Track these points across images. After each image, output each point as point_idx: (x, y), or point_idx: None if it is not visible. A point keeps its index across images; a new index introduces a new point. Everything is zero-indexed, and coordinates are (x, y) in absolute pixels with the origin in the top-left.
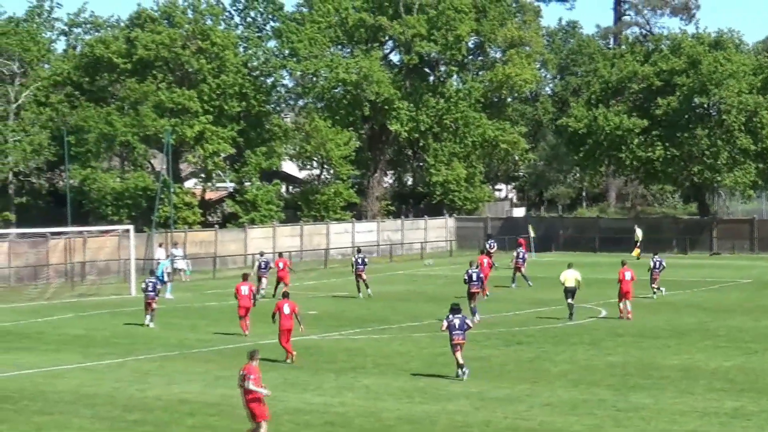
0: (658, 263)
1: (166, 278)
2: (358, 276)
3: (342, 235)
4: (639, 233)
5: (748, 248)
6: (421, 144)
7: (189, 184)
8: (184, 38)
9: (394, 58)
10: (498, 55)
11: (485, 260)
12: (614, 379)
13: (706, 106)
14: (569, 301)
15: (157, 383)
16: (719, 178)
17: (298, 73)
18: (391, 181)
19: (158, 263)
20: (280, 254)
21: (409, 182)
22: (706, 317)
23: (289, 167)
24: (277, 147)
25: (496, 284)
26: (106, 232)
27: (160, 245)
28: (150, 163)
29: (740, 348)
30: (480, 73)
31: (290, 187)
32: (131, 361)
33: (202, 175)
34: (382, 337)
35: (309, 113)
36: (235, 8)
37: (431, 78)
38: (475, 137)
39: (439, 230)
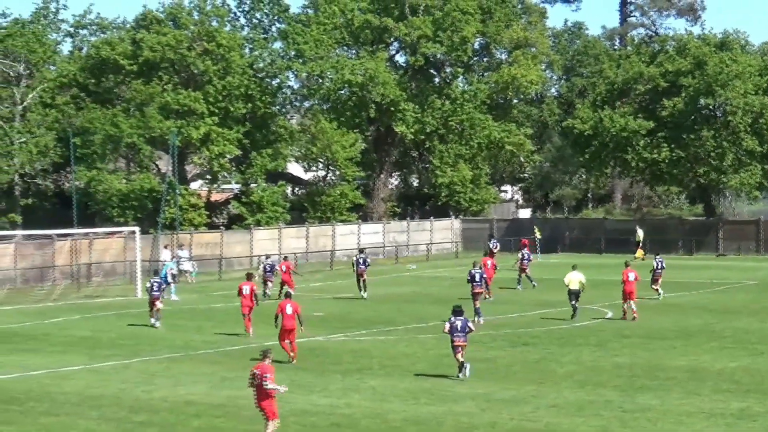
0: (660, 263)
1: (170, 279)
2: (360, 276)
3: (348, 237)
4: (640, 234)
5: (754, 249)
6: (426, 145)
7: (195, 185)
8: (190, 40)
9: (400, 59)
10: (504, 56)
11: (489, 261)
12: (620, 380)
13: (711, 107)
14: (573, 303)
15: (163, 385)
16: (725, 180)
17: (304, 74)
18: (396, 182)
19: (163, 264)
20: (285, 257)
21: (415, 184)
22: (712, 318)
23: (295, 169)
24: (282, 148)
25: (501, 286)
26: (112, 233)
27: (166, 247)
28: (156, 164)
29: (746, 349)
30: (486, 74)
31: (296, 189)
32: (137, 363)
33: (208, 177)
34: (388, 338)
35: (315, 115)
36: (240, 10)
37: (437, 79)
38: (481, 139)
39: (444, 232)
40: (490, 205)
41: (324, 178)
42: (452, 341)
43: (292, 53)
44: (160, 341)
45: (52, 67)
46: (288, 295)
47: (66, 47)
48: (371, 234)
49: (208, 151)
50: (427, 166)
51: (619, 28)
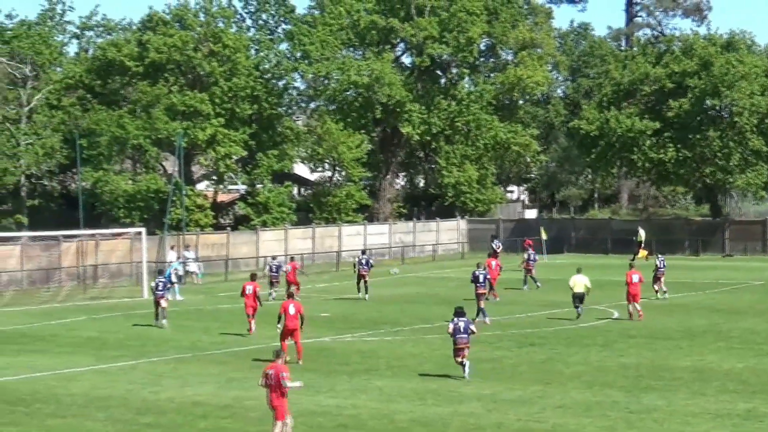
0: (661, 263)
1: (174, 279)
2: (362, 276)
3: (354, 238)
4: (642, 234)
5: (761, 250)
6: (432, 146)
7: (201, 186)
8: (196, 41)
9: (406, 60)
10: (510, 57)
11: (493, 262)
12: (627, 380)
13: (718, 107)
14: (578, 306)
15: (170, 385)
16: (731, 180)
17: (310, 75)
18: (402, 183)
19: (169, 265)
20: (292, 258)
21: (421, 184)
22: (718, 319)
23: (301, 170)
24: (288, 149)
25: (507, 286)
26: (119, 234)
27: (172, 248)
28: (162, 165)
29: (753, 350)
30: (492, 75)
31: (302, 190)
32: (144, 364)
33: (214, 178)
34: (394, 339)
35: (321, 116)
36: (246, 11)
37: (443, 80)
38: (487, 139)
39: (450, 232)
40: (496, 206)
41: (330, 178)
42: (455, 343)
43: (298, 54)
44: (167, 342)
45: (59, 69)
46: (291, 296)
47: (72, 49)
48: (377, 235)
49: (214, 152)
50: (433, 166)
51: (625, 29)
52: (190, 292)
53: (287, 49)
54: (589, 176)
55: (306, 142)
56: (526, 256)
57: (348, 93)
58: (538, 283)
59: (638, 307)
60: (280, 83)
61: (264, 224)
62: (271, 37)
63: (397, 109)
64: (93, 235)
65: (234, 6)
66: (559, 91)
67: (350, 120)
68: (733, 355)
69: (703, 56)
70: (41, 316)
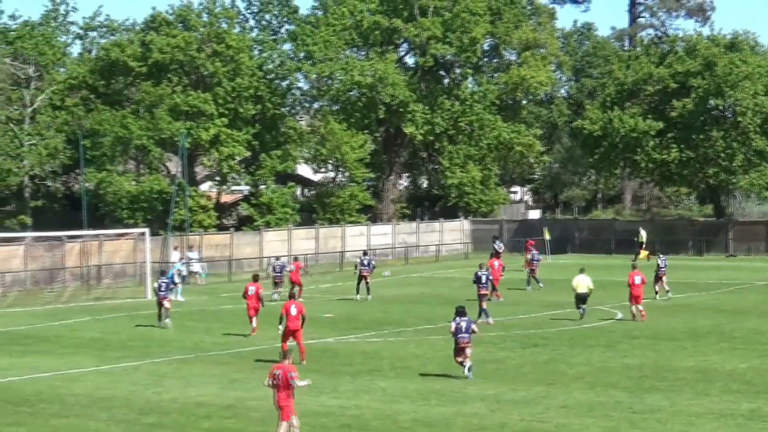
0: (663, 262)
1: (176, 280)
2: (363, 278)
3: (357, 238)
4: (643, 235)
5: (764, 250)
6: (436, 146)
7: (204, 187)
8: (199, 41)
9: (409, 60)
10: (513, 57)
11: (496, 263)
12: (630, 381)
13: (721, 108)
14: (582, 307)
15: (173, 386)
16: (735, 180)
17: (313, 75)
18: (406, 183)
19: (172, 265)
20: (295, 258)
21: (425, 185)
22: (722, 319)
23: (305, 170)
24: (292, 150)
25: (510, 287)
26: (122, 235)
27: (176, 248)
28: (165, 166)
29: (756, 350)
30: (495, 75)
31: (305, 190)
32: (147, 364)
33: (218, 178)
34: (398, 339)
35: (324, 116)
36: (250, 11)
37: (446, 80)
38: (491, 140)
39: (454, 233)
40: (499, 206)
41: (333, 179)
42: (456, 342)
43: (302, 55)
44: (170, 343)
45: (62, 69)
46: (292, 296)
47: (75, 49)
48: (381, 235)
49: (217, 152)
50: (436, 167)
51: (628, 29)
52: (194, 292)
53: (290, 49)
54: (593, 177)
55: (309, 143)
56: (529, 256)
57: (351, 93)
58: (540, 284)
59: (641, 308)
60: (284, 83)
61: (267, 225)
62: (274, 37)
63: (401, 110)
64: (96, 236)
65: (237, 6)
66: (562, 91)
67: (353, 120)
68: (737, 355)
69: (706, 56)
70: (45, 316)
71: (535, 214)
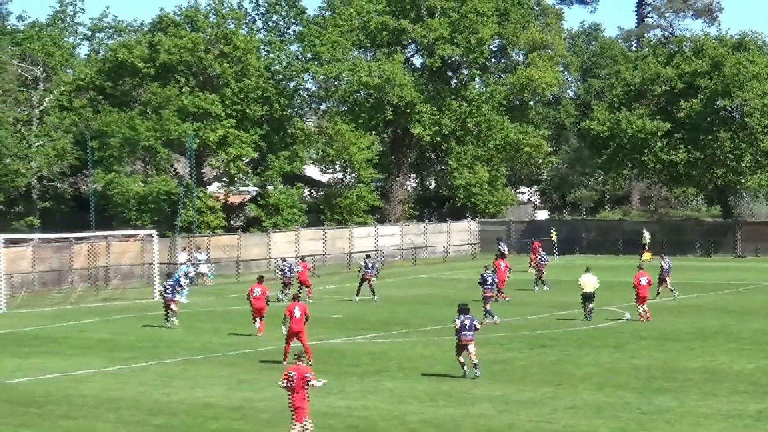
0: (667, 264)
1: (182, 282)
2: (366, 280)
3: (365, 239)
4: (647, 236)
5: None
6: (443, 147)
7: (212, 188)
8: (207, 42)
9: (417, 61)
10: (520, 58)
11: (502, 264)
12: (638, 382)
13: (729, 108)
14: (589, 305)
15: (181, 387)
16: (742, 181)
17: (321, 76)
18: (413, 184)
19: (180, 267)
20: (303, 258)
21: (432, 186)
22: (729, 320)
23: (312, 171)
24: (299, 151)
25: (518, 288)
26: (130, 236)
27: (183, 249)
28: (173, 167)
29: (764, 351)
30: (502, 76)
31: (313, 191)
32: (155, 365)
33: (225, 179)
34: (405, 340)
35: (332, 117)
36: (257, 12)
37: (454, 81)
38: (498, 140)
39: (462, 233)
40: (507, 207)
41: (341, 180)
42: (459, 340)
43: (309, 55)
44: (178, 343)
45: (70, 71)
46: (296, 298)
47: (83, 50)
48: (389, 236)
49: (225, 153)
50: (444, 167)
51: (635, 30)
52: (201, 293)
53: (298, 50)
54: (600, 177)
55: (317, 144)
56: (539, 257)
57: (359, 94)
58: (546, 286)
59: (645, 308)
60: (291, 84)
61: (275, 226)
62: (281, 38)
63: (408, 110)
64: (104, 237)
65: (244, 7)
66: (569, 91)
67: (361, 121)
68: (745, 356)
69: (714, 57)
70: (53, 317)
71: (542, 215)
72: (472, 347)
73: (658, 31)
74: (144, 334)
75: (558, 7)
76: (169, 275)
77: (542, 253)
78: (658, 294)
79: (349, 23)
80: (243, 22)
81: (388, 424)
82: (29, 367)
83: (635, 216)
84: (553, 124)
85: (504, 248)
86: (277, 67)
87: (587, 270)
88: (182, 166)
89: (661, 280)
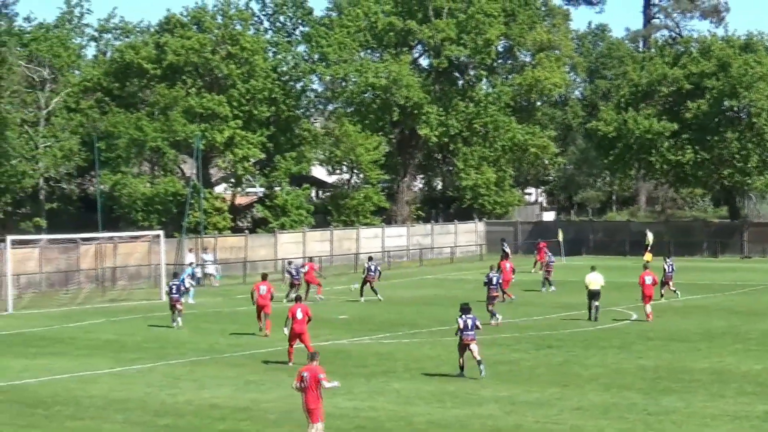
0: (670, 267)
1: (187, 283)
2: (368, 282)
3: (372, 240)
4: (650, 237)
5: None
6: (450, 148)
7: (219, 189)
8: (214, 43)
9: (424, 62)
10: (527, 58)
11: (507, 264)
12: (645, 382)
13: (736, 109)
14: (595, 303)
15: (188, 388)
16: (750, 182)
17: (328, 77)
18: (420, 185)
19: (188, 267)
20: (310, 258)
21: (439, 186)
22: (736, 320)
23: (319, 172)
24: (306, 152)
25: (525, 288)
26: (137, 237)
27: (191, 250)
28: (180, 168)
29: None
30: (509, 77)
31: (320, 192)
32: (162, 366)
33: (232, 180)
34: (412, 341)
35: (338, 118)
36: (264, 13)
37: (460, 82)
38: (505, 141)
39: (468, 234)
40: (514, 208)
41: (348, 181)
42: (461, 339)
43: (316, 56)
44: (185, 344)
45: (77, 72)
46: (299, 299)
47: (90, 51)
48: (395, 237)
49: (232, 154)
50: (451, 168)
51: (642, 30)
52: (208, 294)
53: (305, 51)
54: (607, 178)
55: (324, 145)
56: (546, 258)
57: (366, 95)
58: (553, 287)
59: (648, 308)
60: (298, 85)
61: (282, 227)
62: (288, 39)
63: (415, 111)
64: (111, 238)
65: (251, 8)
66: (576, 92)
67: (368, 122)
68: (752, 356)
69: (720, 57)
70: (60, 318)
71: (549, 216)
72: (474, 346)
73: (665, 32)
74: (151, 335)
75: (565, 7)
76: (175, 275)
77: (549, 254)
78: (662, 296)
79: (356, 24)
80: (250, 23)
81: (395, 425)
82: (36, 368)
83: (642, 217)
84: (560, 124)
85: (507, 249)
86: (284, 68)
87: (593, 269)
88: (189, 167)
89: (663, 284)
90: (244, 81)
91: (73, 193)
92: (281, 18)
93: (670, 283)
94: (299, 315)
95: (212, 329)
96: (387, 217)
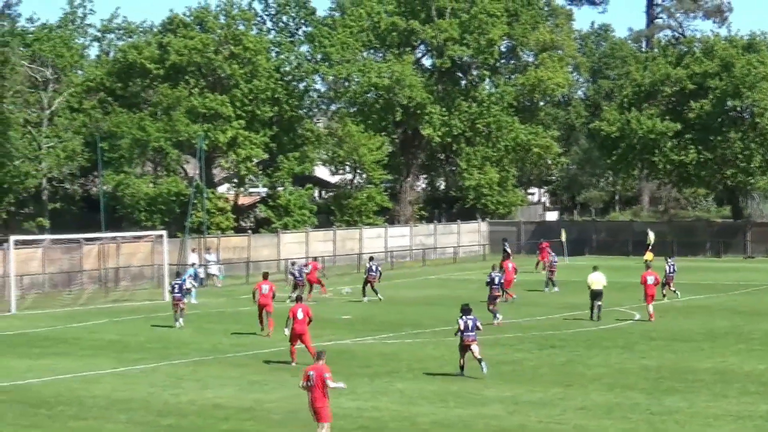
0: (672, 267)
1: (188, 284)
2: (370, 282)
3: (375, 240)
4: (651, 236)
5: None
6: (453, 148)
7: (222, 189)
8: (217, 43)
9: (427, 62)
10: (530, 58)
11: (510, 265)
12: (648, 382)
13: (739, 108)
14: (598, 303)
15: (191, 388)
16: (753, 181)
17: (331, 77)
18: (423, 185)
19: (191, 267)
20: (315, 258)
21: (442, 186)
22: (740, 320)
23: (322, 172)
24: (309, 152)
25: (529, 288)
26: (140, 237)
27: (194, 251)
28: (183, 168)
29: None
30: (512, 77)
31: (323, 192)
32: (165, 366)
33: (235, 180)
34: (415, 341)
35: (341, 118)
36: (267, 13)
37: (463, 82)
38: (508, 141)
39: (471, 234)
40: (517, 208)
41: (351, 181)
42: (462, 340)
43: (319, 56)
44: (188, 344)
45: (80, 72)
46: (299, 299)
47: (93, 51)
48: (398, 237)
49: (235, 154)
50: (453, 168)
51: (645, 30)
52: (211, 294)
53: (308, 51)
54: (610, 178)
55: (327, 145)
56: (550, 258)
57: (368, 95)
58: (556, 287)
59: (650, 308)
60: (301, 85)
61: (285, 227)
62: (291, 39)
63: (418, 111)
64: (114, 238)
65: (254, 8)
66: (579, 92)
67: (371, 122)
68: (755, 356)
69: (723, 57)
70: (63, 318)
71: (552, 216)
72: (474, 347)
73: (668, 32)
74: (154, 335)
75: (568, 7)
76: (177, 275)
77: (553, 254)
78: (663, 296)
79: (358, 24)
80: (253, 23)
81: (399, 425)
82: (39, 368)
83: (645, 217)
84: (563, 124)
85: (508, 249)
86: (287, 68)
87: (595, 268)
88: (192, 167)
89: (664, 284)
90: (247, 81)
91: (76, 194)
92: (284, 18)
93: (671, 285)
94: (300, 315)
95: (215, 329)
96: (390, 217)
